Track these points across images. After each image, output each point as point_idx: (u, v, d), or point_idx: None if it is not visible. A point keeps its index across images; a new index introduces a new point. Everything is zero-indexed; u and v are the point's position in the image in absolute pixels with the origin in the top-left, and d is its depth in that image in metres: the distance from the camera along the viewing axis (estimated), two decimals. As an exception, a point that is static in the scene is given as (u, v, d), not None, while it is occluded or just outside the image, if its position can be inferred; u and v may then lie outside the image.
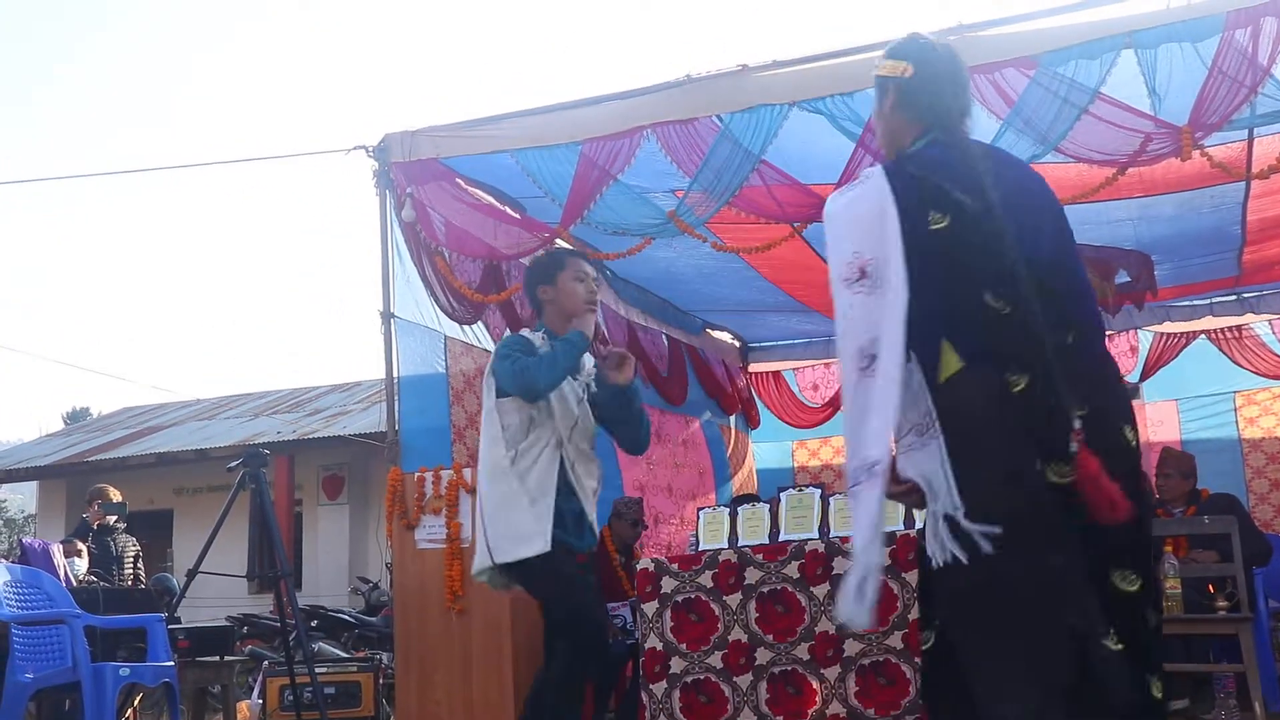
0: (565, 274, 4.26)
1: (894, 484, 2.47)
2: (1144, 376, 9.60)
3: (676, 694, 5.48)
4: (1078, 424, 2.38)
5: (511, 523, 4.02)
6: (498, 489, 4.07)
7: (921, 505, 2.51)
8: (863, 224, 2.56)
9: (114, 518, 8.79)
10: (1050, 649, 2.36)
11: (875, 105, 2.94)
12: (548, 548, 3.96)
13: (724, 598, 5.49)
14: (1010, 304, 2.47)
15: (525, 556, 3.98)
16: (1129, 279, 7.65)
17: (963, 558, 2.37)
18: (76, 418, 32.39)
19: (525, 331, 4.36)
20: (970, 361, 2.48)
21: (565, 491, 4.08)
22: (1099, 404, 2.48)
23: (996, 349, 2.46)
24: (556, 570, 4.03)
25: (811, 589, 5.35)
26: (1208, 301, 9.01)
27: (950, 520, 2.40)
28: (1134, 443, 2.55)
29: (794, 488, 5.88)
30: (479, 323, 7.00)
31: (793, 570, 5.40)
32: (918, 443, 2.48)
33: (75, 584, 7.62)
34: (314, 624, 9.14)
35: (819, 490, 5.75)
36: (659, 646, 5.54)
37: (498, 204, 6.56)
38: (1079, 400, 2.41)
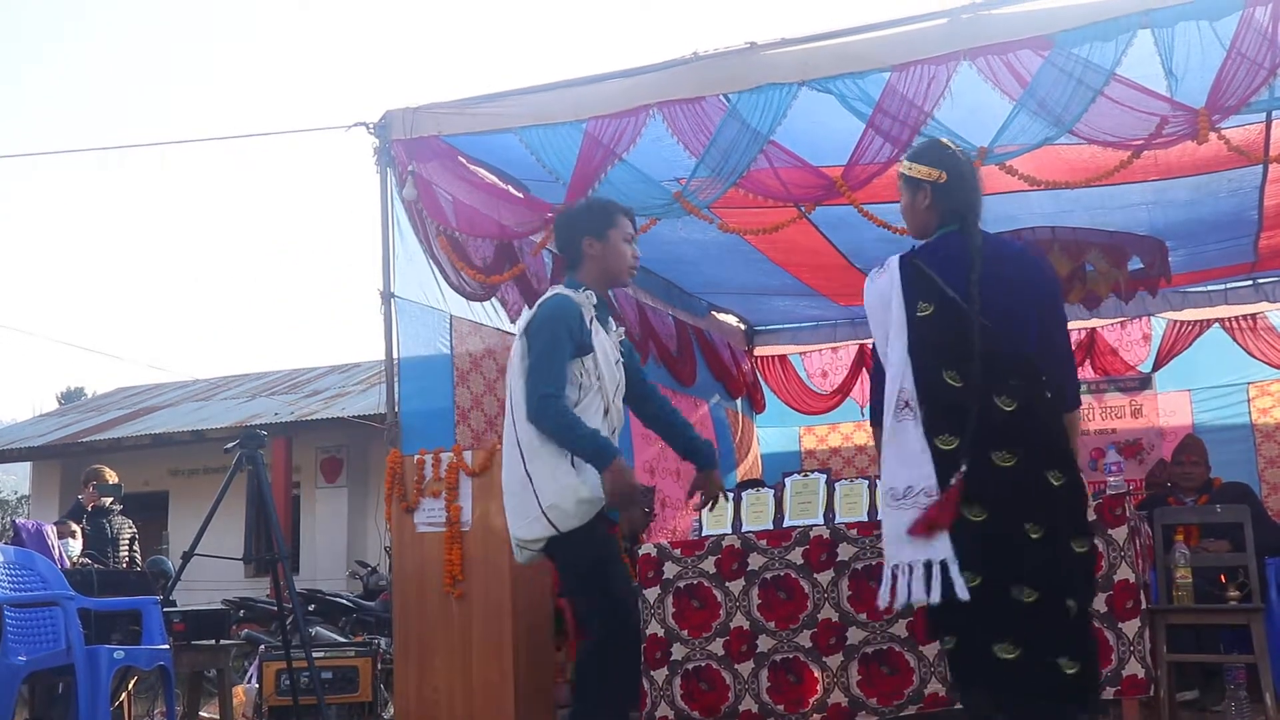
0: (617, 232, 3.99)
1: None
2: (1156, 366, 9.60)
3: (677, 681, 5.50)
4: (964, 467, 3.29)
5: (562, 489, 3.77)
6: (547, 449, 3.80)
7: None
8: (874, 314, 3.53)
9: (109, 499, 8.82)
10: None
11: (906, 199, 3.64)
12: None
13: (726, 584, 5.50)
14: (963, 380, 3.34)
15: (575, 526, 3.78)
16: (1142, 265, 7.64)
17: None
18: (71, 397, 32.47)
19: (571, 293, 3.97)
20: (929, 421, 3.35)
21: None
22: (1025, 455, 3.33)
23: (943, 414, 3.35)
24: (597, 543, 3.85)
25: (815, 575, 5.36)
26: (1223, 288, 9.01)
27: None
28: (1059, 482, 3.36)
29: (799, 473, 5.88)
30: (494, 300, 6.97)
31: (796, 556, 5.41)
32: None
33: (69, 565, 7.65)
34: (311, 608, 9.16)
35: (825, 475, 5.75)
36: (660, 633, 5.55)
37: (500, 183, 6.55)
38: (1003, 453, 3.31)
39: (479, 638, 5.60)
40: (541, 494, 3.79)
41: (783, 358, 10.64)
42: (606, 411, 3.89)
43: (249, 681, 6.94)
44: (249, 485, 5.67)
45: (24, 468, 19.70)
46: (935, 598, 3.29)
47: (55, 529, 8.12)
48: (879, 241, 6.71)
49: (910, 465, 3.36)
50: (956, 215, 3.57)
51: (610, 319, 4.07)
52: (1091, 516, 4.90)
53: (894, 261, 3.53)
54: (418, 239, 6.35)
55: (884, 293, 3.50)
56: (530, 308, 7.19)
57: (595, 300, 3.98)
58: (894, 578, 3.37)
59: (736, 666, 5.43)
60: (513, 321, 7.23)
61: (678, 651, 5.52)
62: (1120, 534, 4.92)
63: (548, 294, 4.14)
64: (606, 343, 3.95)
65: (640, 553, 5.73)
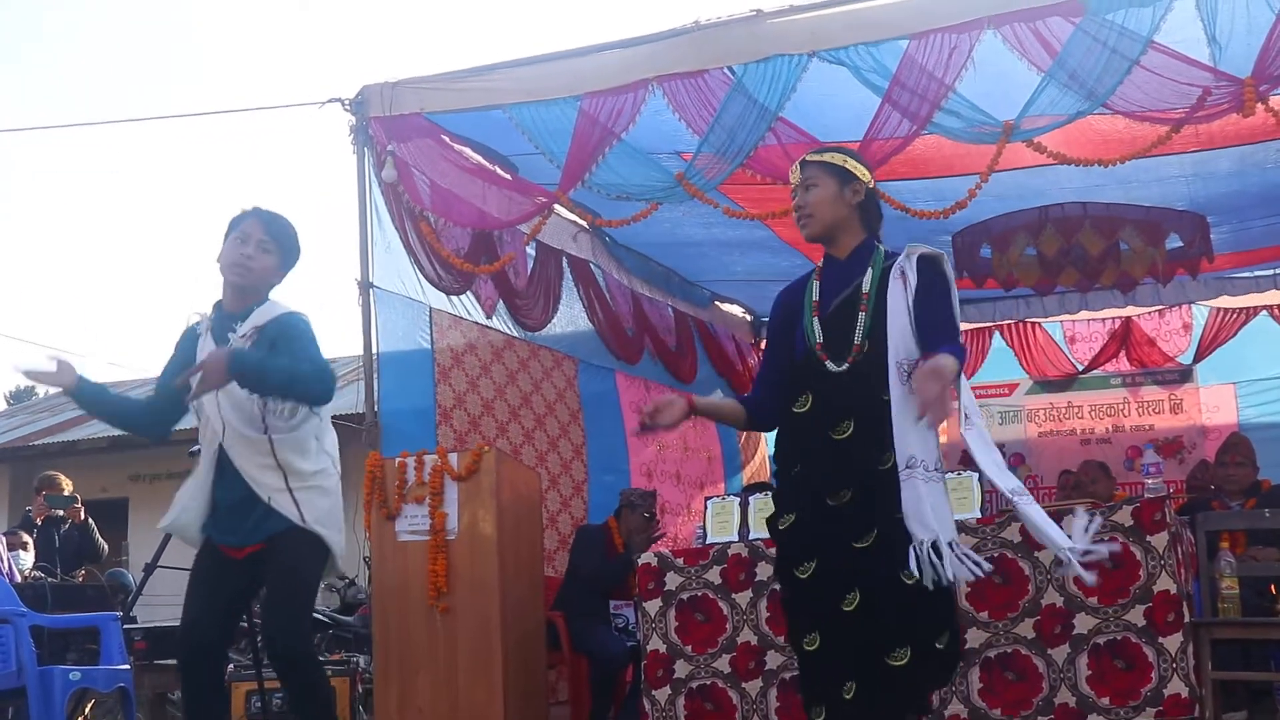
0: (232, 235, 4.26)
1: None
2: (1198, 357, 9.57)
3: (681, 701, 5.51)
4: None
5: None
6: None
7: None
8: None
9: (60, 511, 8.80)
10: None
11: (830, 189, 3.58)
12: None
13: (733, 596, 5.50)
14: None
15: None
16: (1181, 243, 7.61)
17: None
18: (21, 397, 32.42)
19: (195, 315, 4.44)
20: None
21: (226, 480, 4.25)
22: None
23: None
24: (193, 569, 4.39)
25: (830, 587, 5.36)
26: (1271, 273, 8.96)
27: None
28: None
29: (812, 476, 5.85)
30: (468, 293, 6.98)
31: (810, 567, 5.40)
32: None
33: (20, 580, 7.65)
34: (284, 624, 9.13)
35: (839, 479, 5.73)
36: (662, 649, 5.56)
37: (487, 163, 6.54)
38: None
39: (465, 655, 5.61)
40: None
41: (792, 351, 10.61)
42: (209, 419, 4.32)
43: (217, 704, 6.93)
44: (215, 492, 5.66)
45: (-30, 474, 19.68)
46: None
47: (5, 540, 8.11)
48: (896, 219, 6.72)
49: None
50: (874, 231, 3.67)
51: (238, 325, 4.26)
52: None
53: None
54: (394, 225, 6.36)
55: None
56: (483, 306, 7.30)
57: (217, 314, 4.32)
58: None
59: (744, 685, 5.43)
60: (488, 316, 7.25)
61: (681, 669, 5.53)
62: (1160, 541, 4.92)
63: None
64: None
65: (640, 562, 5.73)
